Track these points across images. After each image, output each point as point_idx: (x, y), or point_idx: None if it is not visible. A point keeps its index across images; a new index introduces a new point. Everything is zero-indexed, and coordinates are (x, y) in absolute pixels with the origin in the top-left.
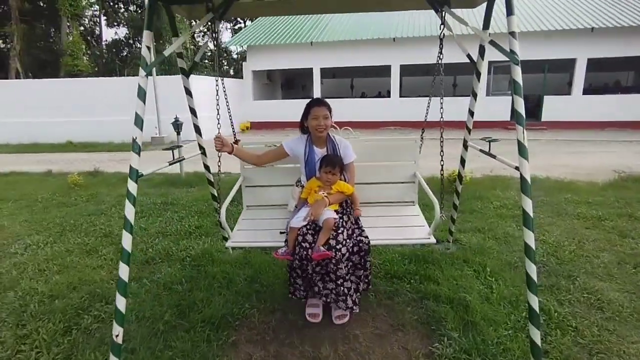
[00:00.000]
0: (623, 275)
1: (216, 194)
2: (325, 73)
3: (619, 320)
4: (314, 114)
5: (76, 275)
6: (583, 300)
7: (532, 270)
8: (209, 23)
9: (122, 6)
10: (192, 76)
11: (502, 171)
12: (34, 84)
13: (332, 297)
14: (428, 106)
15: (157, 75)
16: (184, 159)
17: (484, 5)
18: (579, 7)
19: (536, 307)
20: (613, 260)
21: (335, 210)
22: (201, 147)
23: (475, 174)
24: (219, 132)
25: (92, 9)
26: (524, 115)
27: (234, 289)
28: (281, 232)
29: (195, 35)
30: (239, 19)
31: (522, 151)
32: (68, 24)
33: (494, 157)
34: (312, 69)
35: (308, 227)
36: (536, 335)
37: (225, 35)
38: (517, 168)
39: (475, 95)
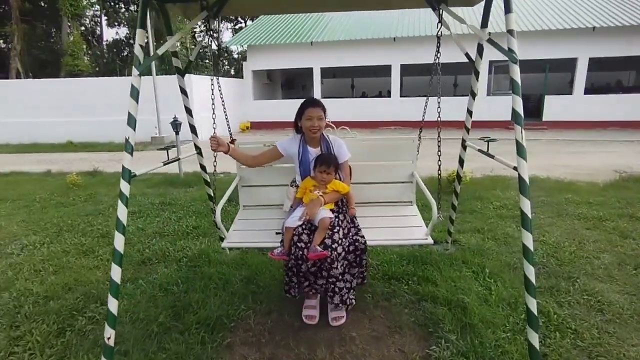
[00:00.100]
0: (624, 276)
1: (212, 194)
2: (326, 73)
3: (619, 322)
4: (308, 114)
5: (72, 275)
6: (583, 302)
7: (531, 272)
8: (208, 22)
9: (122, 6)
10: (192, 76)
11: (503, 171)
12: (34, 84)
13: (322, 292)
14: (425, 106)
15: (156, 75)
16: (179, 159)
17: (483, 3)
18: (580, 6)
19: (534, 309)
20: (614, 262)
21: (331, 210)
22: (197, 147)
23: (476, 174)
24: (214, 132)
25: (93, 8)
26: (523, 115)
27: (230, 290)
28: (277, 233)
29: (196, 35)
30: (239, 19)
31: (520, 151)
32: (69, 24)
33: (492, 157)
34: (312, 68)
35: (304, 226)
36: (534, 338)
37: (226, 35)
38: (515, 168)
39: (473, 95)
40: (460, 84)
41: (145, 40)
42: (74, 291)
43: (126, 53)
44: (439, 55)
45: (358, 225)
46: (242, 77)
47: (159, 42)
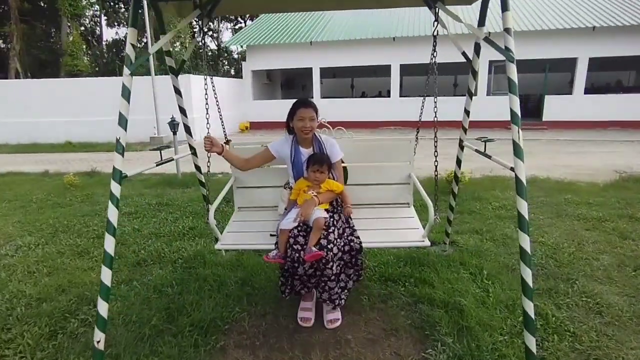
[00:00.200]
0: (623, 278)
1: (206, 195)
2: (326, 73)
3: (618, 325)
4: (300, 115)
5: (66, 277)
6: (582, 304)
7: (528, 274)
8: (201, 21)
9: (122, 6)
10: (191, 76)
11: (502, 171)
12: (33, 84)
13: (312, 288)
14: (422, 106)
15: (155, 74)
16: (172, 159)
17: (480, 2)
18: (580, 5)
19: (532, 313)
20: (613, 263)
21: (326, 210)
22: (192, 148)
23: (475, 174)
24: (208, 132)
25: (93, 8)
26: (520, 115)
27: (225, 292)
28: (271, 235)
29: (196, 35)
30: (239, 19)
31: (517, 151)
32: (68, 24)
33: (489, 157)
34: (311, 68)
35: (299, 228)
36: (531, 342)
37: (226, 35)
38: (512, 169)
39: (471, 94)
40: (460, 83)
41: (141, 40)
42: (67, 293)
43: (135, 54)
44: (435, 54)
45: (353, 226)
46: (242, 77)
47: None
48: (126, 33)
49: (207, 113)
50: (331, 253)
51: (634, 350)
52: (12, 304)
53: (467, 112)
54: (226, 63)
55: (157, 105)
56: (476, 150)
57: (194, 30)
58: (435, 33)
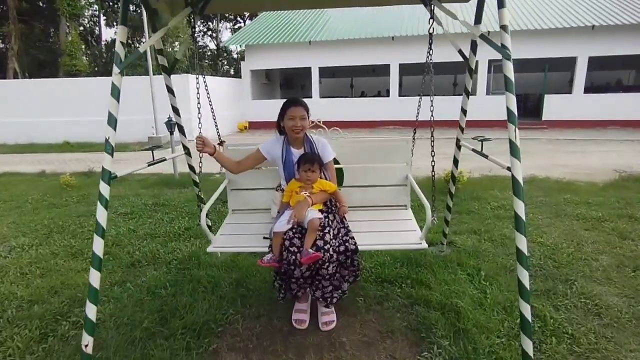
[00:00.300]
0: (622, 278)
1: (199, 195)
2: (325, 72)
3: (617, 326)
4: (290, 114)
5: (59, 279)
6: (580, 305)
7: (524, 276)
8: (193, 19)
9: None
10: (189, 76)
11: (501, 171)
12: (31, 84)
13: (310, 289)
14: (419, 106)
15: (154, 74)
16: (164, 159)
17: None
18: (579, 4)
19: (528, 315)
20: (612, 263)
21: (320, 210)
22: (185, 147)
23: (474, 173)
24: (200, 132)
25: (92, 8)
26: (517, 113)
27: (219, 294)
28: (265, 237)
29: (196, 35)
30: (238, 18)
31: (514, 151)
32: (67, 23)
33: (485, 156)
34: (310, 68)
35: (294, 230)
36: (528, 345)
37: (225, 35)
38: (509, 169)
39: (467, 93)
40: (459, 83)
41: (140, 40)
42: (59, 295)
43: (125, 53)
44: (431, 52)
45: (348, 226)
46: (241, 77)
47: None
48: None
49: (199, 112)
50: (328, 254)
51: (633, 352)
52: (4, 306)
53: (464, 111)
54: (225, 63)
55: (155, 105)
56: (473, 150)
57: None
58: (431, 30)
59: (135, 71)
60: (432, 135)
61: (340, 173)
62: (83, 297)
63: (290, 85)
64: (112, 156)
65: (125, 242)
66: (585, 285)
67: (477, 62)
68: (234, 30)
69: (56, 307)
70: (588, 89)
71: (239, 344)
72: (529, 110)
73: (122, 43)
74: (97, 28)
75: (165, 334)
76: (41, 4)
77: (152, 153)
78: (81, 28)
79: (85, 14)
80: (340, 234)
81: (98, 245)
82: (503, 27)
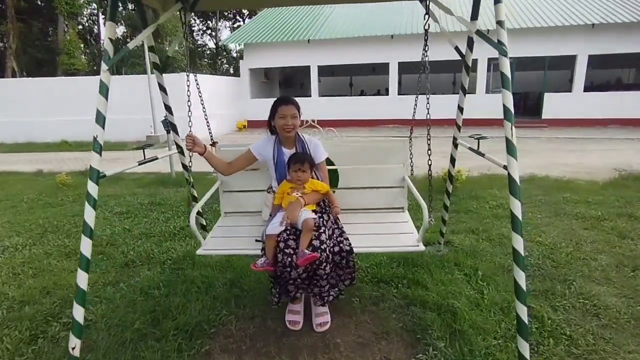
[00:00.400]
0: (621, 278)
1: (195, 195)
2: (325, 71)
3: (616, 327)
4: (281, 112)
5: (51, 279)
6: (579, 306)
7: (521, 277)
8: (184, 15)
9: (120, 4)
10: (190, 74)
11: (500, 169)
12: (30, 83)
13: (306, 288)
14: (415, 105)
15: (151, 73)
16: (156, 158)
17: None
18: (579, 2)
19: (525, 318)
20: (611, 263)
21: (314, 211)
22: (179, 146)
23: (472, 172)
24: (190, 131)
25: (90, 7)
26: (513, 111)
27: (213, 294)
28: (257, 240)
29: (195, 34)
30: (238, 17)
31: (510, 149)
32: (65, 22)
33: (482, 155)
34: (309, 66)
35: (288, 232)
36: (524, 348)
37: (225, 34)
38: (505, 167)
39: (464, 91)
40: (459, 81)
41: (127, 37)
42: (51, 295)
43: (114, 50)
44: (427, 48)
45: (342, 227)
46: (239, 76)
47: (156, 41)
48: (123, 32)
49: (189, 111)
50: (325, 254)
51: (632, 354)
52: None
53: (460, 109)
54: (225, 62)
55: (154, 104)
56: (469, 148)
57: (193, 27)
58: (426, 27)
59: (134, 70)
60: (428, 134)
61: (335, 175)
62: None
63: (289, 84)
64: (101, 155)
65: (120, 242)
66: (583, 285)
67: (476, 60)
68: (233, 29)
69: (47, 307)
70: (588, 88)
71: (232, 345)
72: (529, 108)
73: (110, 39)
74: (96, 27)
75: (157, 335)
76: (39, 3)
77: (144, 152)
78: (80, 27)
79: (84, 12)
80: (334, 235)
81: (86, 246)
82: (499, 23)
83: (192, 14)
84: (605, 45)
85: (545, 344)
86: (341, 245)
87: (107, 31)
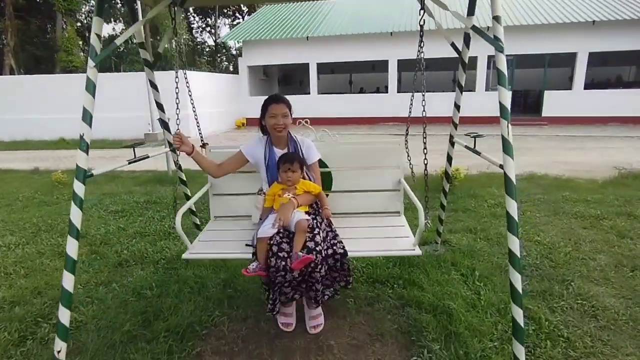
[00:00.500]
0: (620, 279)
1: (188, 193)
2: (324, 68)
3: (614, 329)
4: (272, 111)
5: (43, 279)
6: (577, 307)
7: (517, 279)
8: (173, 10)
9: (118, 1)
10: (188, 72)
11: (499, 168)
12: (28, 80)
13: (301, 291)
14: (411, 103)
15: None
16: (148, 156)
17: None
18: None
19: (521, 320)
20: (610, 263)
21: (307, 212)
22: (170, 144)
23: (471, 170)
24: (178, 129)
25: (89, 4)
26: (509, 108)
27: (205, 294)
28: (247, 244)
29: (194, 31)
30: (237, 14)
31: (506, 148)
32: (63, 19)
33: (478, 153)
34: (308, 64)
35: (281, 235)
36: (520, 351)
37: (224, 31)
38: (501, 166)
39: (461, 88)
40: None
41: (150, 39)
42: (43, 295)
43: (122, 49)
44: (422, 44)
45: (335, 230)
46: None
47: (155, 38)
48: (122, 29)
49: (177, 108)
50: (320, 256)
51: (630, 356)
52: None
53: (457, 107)
54: (224, 59)
55: (152, 102)
56: (466, 147)
57: (192, 26)
58: (421, 22)
59: (133, 67)
60: (424, 132)
61: (328, 178)
62: None
63: (288, 82)
64: (87, 154)
65: (114, 241)
66: (582, 285)
67: (476, 57)
68: (232, 27)
69: (38, 308)
70: (588, 85)
71: (224, 347)
72: (529, 106)
73: (97, 35)
74: None
75: (148, 337)
76: (38, 0)
77: (134, 150)
78: (78, 24)
79: (82, 9)
80: (328, 237)
81: (72, 247)
82: (496, 18)
83: (191, 10)
84: (605, 43)
85: (542, 347)
86: (334, 248)
87: (94, 26)
